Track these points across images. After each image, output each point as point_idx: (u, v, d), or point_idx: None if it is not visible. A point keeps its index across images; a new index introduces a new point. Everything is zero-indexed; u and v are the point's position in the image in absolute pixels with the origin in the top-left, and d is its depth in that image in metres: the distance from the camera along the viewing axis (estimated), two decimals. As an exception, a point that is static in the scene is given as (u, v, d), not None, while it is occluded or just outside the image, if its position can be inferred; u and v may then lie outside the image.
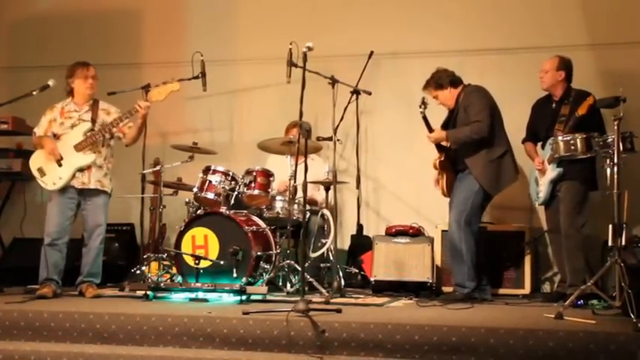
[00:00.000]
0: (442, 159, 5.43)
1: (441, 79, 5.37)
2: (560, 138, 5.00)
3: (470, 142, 5.23)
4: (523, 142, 5.56)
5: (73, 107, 5.44)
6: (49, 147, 5.32)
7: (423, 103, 5.44)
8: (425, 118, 5.43)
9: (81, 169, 5.32)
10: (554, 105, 5.35)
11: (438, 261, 5.82)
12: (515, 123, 5.56)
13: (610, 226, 4.33)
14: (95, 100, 5.50)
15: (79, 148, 5.31)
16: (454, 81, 5.39)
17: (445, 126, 5.46)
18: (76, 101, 5.46)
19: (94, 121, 5.38)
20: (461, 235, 5.18)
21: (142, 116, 5.35)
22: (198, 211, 5.61)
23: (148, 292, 4.98)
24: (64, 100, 5.46)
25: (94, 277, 5.37)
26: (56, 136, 5.39)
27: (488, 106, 5.27)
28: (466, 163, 5.28)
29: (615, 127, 4.35)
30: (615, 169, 4.37)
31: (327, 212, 5.57)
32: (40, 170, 5.35)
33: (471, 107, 5.25)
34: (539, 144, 5.47)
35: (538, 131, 5.46)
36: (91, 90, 5.43)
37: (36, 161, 5.39)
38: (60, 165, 5.30)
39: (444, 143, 5.42)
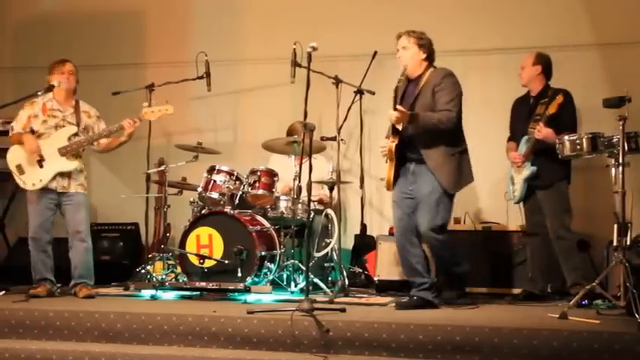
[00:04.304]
0: (397, 143, 4.74)
1: (425, 42, 4.79)
2: (566, 138, 4.77)
3: (434, 131, 4.65)
4: (508, 140, 5.39)
5: (56, 105, 5.31)
6: (31, 146, 5.15)
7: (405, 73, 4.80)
8: (397, 90, 4.80)
9: (62, 174, 5.23)
10: (531, 102, 5.25)
11: (441, 261, 5.81)
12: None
13: (615, 225, 4.33)
14: (77, 100, 5.40)
15: (63, 152, 5.20)
16: (431, 54, 4.82)
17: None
18: (57, 99, 5.32)
19: (78, 124, 5.29)
20: (444, 240, 4.72)
21: (128, 134, 5.25)
22: (203, 211, 5.60)
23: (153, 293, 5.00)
24: (45, 95, 5.26)
25: (85, 278, 5.25)
26: (35, 133, 5.23)
27: (460, 97, 4.75)
28: (422, 153, 4.71)
29: (620, 127, 4.34)
30: (620, 168, 4.37)
31: (330, 212, 5.57)
32: (19, 168, 5.21)
33: (443, 93, 4.67)
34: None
35: (515, 129, 5.33)
36: (67, 84, 5.28)
37: (15, 158, 5.23)
38: (41, 166, 5.17)
39: (399, 126, 4.74)
